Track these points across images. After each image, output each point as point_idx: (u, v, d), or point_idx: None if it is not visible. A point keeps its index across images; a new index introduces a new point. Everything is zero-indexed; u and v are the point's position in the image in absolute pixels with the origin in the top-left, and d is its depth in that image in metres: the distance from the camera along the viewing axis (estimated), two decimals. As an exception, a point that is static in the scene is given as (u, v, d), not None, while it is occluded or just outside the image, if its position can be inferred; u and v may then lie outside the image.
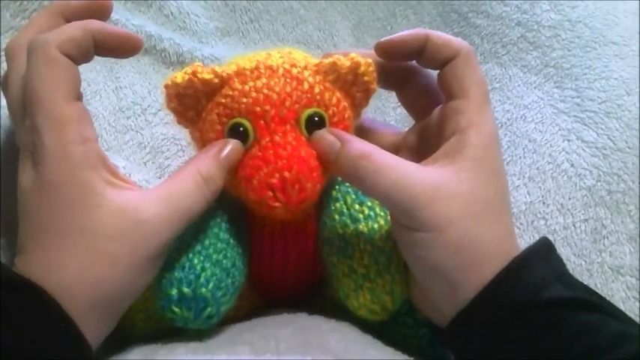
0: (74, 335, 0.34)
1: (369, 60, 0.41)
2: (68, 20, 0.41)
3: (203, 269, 0.37)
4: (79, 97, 0.37)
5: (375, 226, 0.41)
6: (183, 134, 0.54)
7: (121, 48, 0.40)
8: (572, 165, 0.59)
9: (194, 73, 0.40)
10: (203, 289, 0.37)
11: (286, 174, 0.38)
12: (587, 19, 0.67)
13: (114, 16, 0.59)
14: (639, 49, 0.66)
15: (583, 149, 0.59)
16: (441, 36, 0.41)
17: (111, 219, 0.34)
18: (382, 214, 0.42)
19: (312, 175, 0.38)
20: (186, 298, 0.37)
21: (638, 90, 0.62)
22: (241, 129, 0.39)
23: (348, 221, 0.42)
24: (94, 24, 0.38)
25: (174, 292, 0.37)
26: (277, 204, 0.38)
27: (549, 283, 0.36)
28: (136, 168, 0.53)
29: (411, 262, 0.39)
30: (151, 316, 0.42)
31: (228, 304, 0.39)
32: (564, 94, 0.63)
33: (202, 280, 0.37)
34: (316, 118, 0.40)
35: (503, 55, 0.67)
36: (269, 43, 0.67)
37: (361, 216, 0.42)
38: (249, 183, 0.38)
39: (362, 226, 0.42)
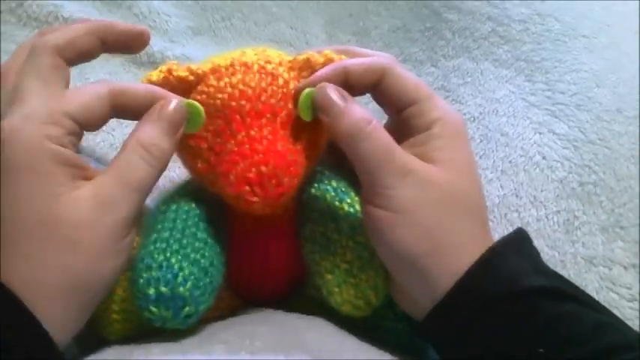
0: (36, 331, 0.33)
1: (343, 56, 0.42)
2: (103, 42, 0.41)
3: (181, 268, 0.37)
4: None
5: (356, 223, 0.41)
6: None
7: (133, 44, 0.42)
8: (543, 157, 0.59)
9: (169, 71, 0.40)
10: (181, 289, 0.36)
11: (263, 168, 0.37)
12: (556, 13, 0.68)
13: (82, 16, 0.59)
14: (611, 41, 0.67)
15: (554, 142, 0.60)
16: (359, 63, 0.40)
17: (73, 208, 0.35)
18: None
19: (289, 169, 0.38)
20: (165, 297, 0.36)
21: (608, 82, 0.63)
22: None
23: (330, 219, 0.42)
24: (102, 26, 0.39)
25: (152, 291, 0.36)
26: (255, 199, 0.38)
27: (526, 274, 0.37)
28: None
29: (382, 249, 0.39)
30: (128, 317, 0.42)
31: (207, 304, 0.39)
32: (535, 87, 0.64)
33: (180, 279, 0.37)
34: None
35: (474, 49, 0.67)
36: (241, 42, 0.67)
37: (342, 212, 0.42)
38: (226, 178, 0.38)
39: (343, 224, 0.41)
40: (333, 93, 0.39)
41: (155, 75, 0.40)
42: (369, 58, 0.41)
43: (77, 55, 0.40)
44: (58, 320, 0.34)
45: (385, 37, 0.71)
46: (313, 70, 0.41)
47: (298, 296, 0.47)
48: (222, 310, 0.44)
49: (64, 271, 0.34)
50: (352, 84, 0.40)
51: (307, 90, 0.39)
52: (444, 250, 0.37)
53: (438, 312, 0.37)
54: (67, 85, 0.39)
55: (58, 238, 0.34)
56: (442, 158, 0.39)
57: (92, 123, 0.37)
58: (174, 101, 0.38)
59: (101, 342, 0.41)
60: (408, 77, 0.41)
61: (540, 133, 0.61)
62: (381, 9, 0.71)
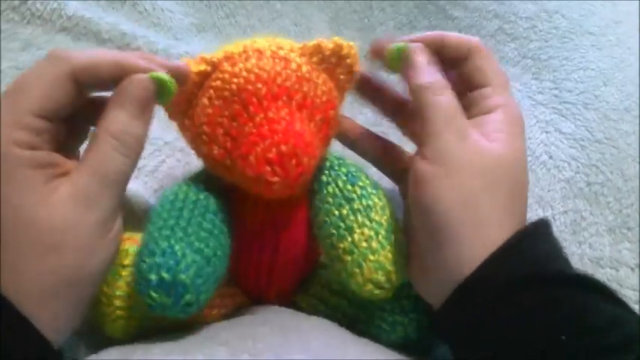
0: (29, 332, 0.33)
1: (352, 43, 0.43)
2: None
3: (184, 256, 0.37)
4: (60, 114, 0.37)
5: (370, 202, 0.42)
6: (159, 133, 0.54)
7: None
8: (550, 157, 0.59)
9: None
10: (183, 276, 0.36)
11: (283, 147, 0.38)
12: (563, 10, 0.67)
13: (86, 14, 0.59)
14: (619, 39, 0.66)
15: (561, 141, 0.60)
16: (455, 36, 0.43)
17: (51, 211, 0.34)
18: (374, 192, 0.43)
19: (307, 149, 0.39)
20: (166, 283, 0.36)
21: (615, 81, 0.62)
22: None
23: (343, 202, 0.42)
24: (132, 61, 0.37)
25: (153, 277, 0.36)
26: (275, 178, 0.38)
27: (553, 260, 0.37)
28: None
29: (420, 205, 0.39)
30: (131, 315, 0.42)
31: (208, 294, 0.39)
32: (542, 85, 0.63)
33: (183, 266, 0.36)
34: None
35: (481, 47, 0.66)
36: (246, 38, 0.66)
37: (355, 195, 0.42)
38: (245, 160, 0.38)
39: (357, 204, 0.42)
40: (423, 51, 0.42)
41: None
42: (462, 35, 0.44)
43: (96, 80, 0.37)
44: (51, 321, 0.34)
45: (390, 33, 0.70)
46: (323, 56, 0.42)
47: (303, 293, 0.47)
48: (227, 308, 0.44)
49: (51, 274, 0.34)
50: (445, 53, 0.43)
51: (400, 44, 0.43)
52: (478, 219, 0.37)
53: (460, 292, 0.37)
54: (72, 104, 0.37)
55: (41, 242, 0.34)
56: (498, 138, 0.40)
57: (62, 112, 0.36)
58: (137, 79, 0.37)
59: (104, 340, 0.42)
60: (492, 61, 0.43)
61: (547, 132, 0.60)
62: (386, 5, 0.70)
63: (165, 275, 0.36)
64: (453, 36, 0.43)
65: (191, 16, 0.65)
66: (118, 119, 0.36)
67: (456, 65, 0.44)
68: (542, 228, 0.39)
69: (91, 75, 0.36)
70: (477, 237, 0.37)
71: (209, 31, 0.66)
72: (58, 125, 0.37)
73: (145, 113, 0.37)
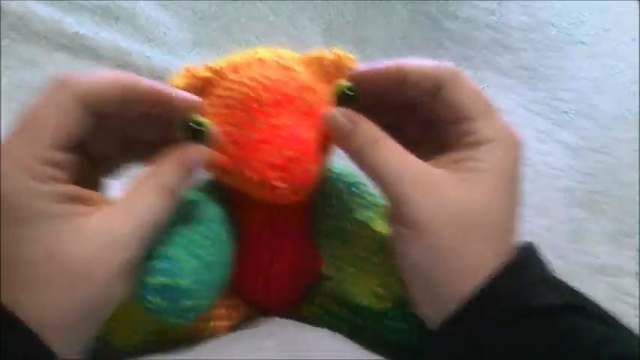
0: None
1: (351, 55, 0.42)
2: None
3: (184, 261, 0.37)
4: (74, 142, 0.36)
5: (371, 214, 0.42)
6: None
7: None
8: (547, 166, 0.59)
9: (190, 74, 0.40)
10: (182, 281, 0.36)
11: (288, 153, 0.38)
12: (554, 19, 0.68)
13: (80, 30, 0.59)
14: (610, 47, 0.67)
15: (558, 150, 0.60)
16: (419, 67, 0.38)
17: (80, 244, 0.34)
18: (375, 203, 0.42)
19: (312, 155, 0.39)
20: (164, 287, 0.36)
21: (609, 89, 0.63)
22: (191, 124, 0.38)
23: (345, 212, 0.42)
24: (143, 88, 0.37)
25: (152, 281, 0.36)
26: (281, 184, 0.38)
27: (535, 291, 0.36)
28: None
29: (395, 256, 0.39)
30: (138, 328, 0.42)
31: (207, 301, 0.38)
32: (537, 95, 0.64)
33: (182, 271, 0.36)
34: (348, 91, 0.40)
35: (475, 58, 0.67)
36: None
37: (356, 206, 0.42)
38: (250, 165, 0.38)
39: (358, 215, 0.42)
40: (339, 117, 0.39)
41: (178, 80, 0.40)
42: (432, 63, 0.39)
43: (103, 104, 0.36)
44: (69, 349, 0.34)
45: (384, 45, 0.71)
46: (323, 66, 0.41)
47: (308, 304, 0.47)
48: (233, 320, 0.44)
49: (75, 305, 0.34)
50: (408, 87, 0.39)
51: (342, 83, 0.40)
52: (452, 270, 0.37)
53: (447, 329, 0.37)
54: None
55: (68, 274, 0.34)
56: (474, 178, 0.37)
57: (77, 139, 0.36)
58: (203, 150, 0.38)
59: (109, 353, 0.42)
60: (468, 91, 0.38)
61: (544, 142, 0.61)
62: (380, 17, 0.71)
63: (164, 280, 0.36)
64: (415, 68, 0.38)
65: (186, 30, 0.65)
66: (172, 175, 0.37)
67: (427, 96, 0.39)
68: (524, 257, 0.38)
69: (98, 99, 0.36)
70: (455, 284, 0.36)
71: (204, 45, 0.66)
72: (75, 155, 0.36)
73: (189, 179, 0.38)
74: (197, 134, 0.38)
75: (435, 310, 0.38)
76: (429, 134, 0.42)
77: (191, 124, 0.38)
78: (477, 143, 0.38)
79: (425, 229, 0.36)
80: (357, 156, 0.38)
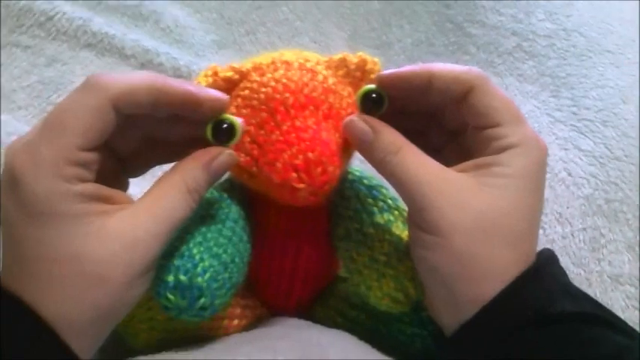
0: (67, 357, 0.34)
1: (376, 59, 0.42)
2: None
3: (202, 259, 0.37)
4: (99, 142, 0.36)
5: (391, 217, 0.42)
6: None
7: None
8: (569, 174, 0.59)
9: (215, 74, 0.41)
10: (199, 279, 0.36)
11: (310, 155, 0.38)
12: (582, 28, 0.68)
13: (110, 31, 0.60)
14: (637, 57, 0.66)
15: (580, 158, 0.60)
16: (448, 70, 0.38)
17: (102, 244, 0.34)
18: (395, 206, 0.43)
19: (333, 158, 0.39)
20: (182, 285, 0.36)
21: (634, 98, 0.62)
22: (225, 126, 0.39)
23: (364, 215, 0.42)
24: (175, 90, 0.37)
25: (170, 278, 0.36)
26: (301, 185, 0.38)
27: (555, 298, 0.36)
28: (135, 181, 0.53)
29: (415, 260, 0.39)
30: (154, 326, 0.42)
31: (224, 299, 0.39)
32: (560, 102, 0.64)
33: (199, 269, 0.37)
34: (374, 95, 0.40)
35: (499, 64, 0.67)
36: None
37: (376, 209, 0.42)
38: (272, 166, 0.39)
39: (378, 218, 0.42)
40: (361, 125, 0.39)
41: (202, 80, 0.40)
42: (460, 67, 0.39)
43: (134, 106, 0.36)
44: (86, 348, 0.35)
45: (408, 50, 0.71)
46: (348, 70, 0.42)
47: (322, 306, 0.47)
48: (248, 319, 0.44)
49: (93, 305, 0.34)
50: (434, 91, 0.39)
51: (368, 86, 0.40)
52: (472, 275, 0.36)
53: (463, 334, 0.37)
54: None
55: (88, 274, 0.34)
56: (496, 183, 0.37)
57: (104, 139, 0.36)
58: (231, 154, 0.38)
59: (126, 350, 0.42)
60: (498, 96, 0.38)
61: (566, 149, 0.60)
62: (404, 22, 0.71)
63: (182, 278, 0.36)
64: (444, 71, 0.38)
65: (212, 33, 0.66)
66: (199, 177, 0.37)
67: (455, 101, 0.39)
68: (545, 264, 0.38)
69: (129, 101, 0.36)
70: (474, 291, 0.36)
71: (230, 48, 0.67)
72: (101, 153, 0.36)
73: (215, 182, 0.38)
74: (227, 134, 0.39)
75: (453, 315, 0.37)
76: (451, 139, 0.42)
77: (224, 125, 0.38)
78: (504, 148, 0.37)
79: (447, 235, 0.36)
80: (380, 164, 0.38)
